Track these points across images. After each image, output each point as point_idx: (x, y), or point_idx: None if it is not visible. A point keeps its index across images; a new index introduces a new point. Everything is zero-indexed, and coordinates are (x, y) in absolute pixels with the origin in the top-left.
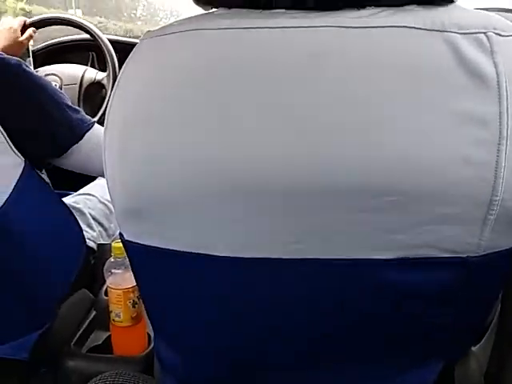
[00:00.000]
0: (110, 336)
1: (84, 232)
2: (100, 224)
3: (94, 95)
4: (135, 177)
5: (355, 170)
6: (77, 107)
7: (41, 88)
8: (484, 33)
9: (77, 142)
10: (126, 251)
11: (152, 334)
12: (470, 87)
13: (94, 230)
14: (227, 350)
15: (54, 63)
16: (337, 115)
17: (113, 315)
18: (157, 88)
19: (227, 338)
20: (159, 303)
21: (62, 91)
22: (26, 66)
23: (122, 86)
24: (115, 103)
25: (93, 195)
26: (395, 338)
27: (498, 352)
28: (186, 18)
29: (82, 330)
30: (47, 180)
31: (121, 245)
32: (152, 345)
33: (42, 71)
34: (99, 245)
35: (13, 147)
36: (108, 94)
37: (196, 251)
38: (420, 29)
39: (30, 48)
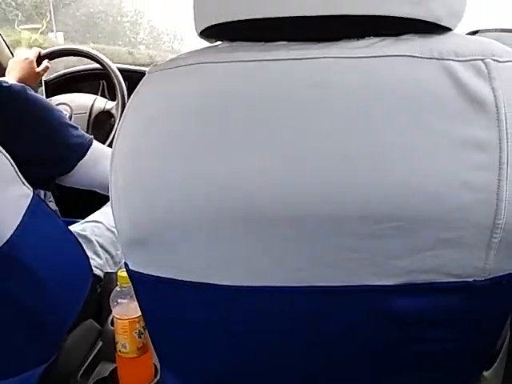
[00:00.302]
0: (116, 368)
1: (91, 260)
2: (107, 251)
3: (103, 123)
4: (143, 206)
5: (356, 197)
6: (74, 123)
7: (48, 109)
8: (482, 59)
9: (81, 159)
10: (131, 281)
11: (158, 365)
12: (469, 113)
13: (101, 258)
14: (236, 381)
15: (65, 92)
16: (337, 144)
17: (119, 346)
18: (163, 119)
19: (237, 370)
20: (164, 332)
21: (72, 120)
22: (30, 90)
23: (129, 117)
24: (122, 133)
25: (100, 222)
26: (400, 364)
27: (511, 376)
28: (190, 52)
29: (88, 361)
30: (55, 207)
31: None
32: (158, 376)
33: (54, 101)
34: (105, 273)
35: (21, 177)
36: (116, 123)
37: (206, 281)
38: (418, 57)
39: (43, 78)
